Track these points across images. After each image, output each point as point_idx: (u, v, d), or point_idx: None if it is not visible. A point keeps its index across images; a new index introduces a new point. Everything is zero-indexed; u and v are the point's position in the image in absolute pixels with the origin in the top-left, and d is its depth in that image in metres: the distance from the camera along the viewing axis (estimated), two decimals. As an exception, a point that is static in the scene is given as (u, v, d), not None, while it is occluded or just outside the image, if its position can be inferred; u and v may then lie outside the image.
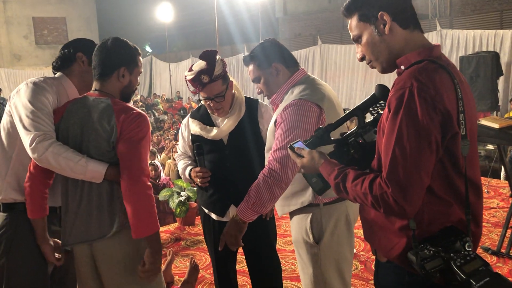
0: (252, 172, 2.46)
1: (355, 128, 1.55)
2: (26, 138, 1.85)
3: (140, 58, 2.04)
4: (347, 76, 13.35)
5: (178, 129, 8.28)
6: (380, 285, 1.57)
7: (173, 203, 4.73)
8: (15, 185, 2.02)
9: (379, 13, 1.40)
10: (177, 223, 5.03)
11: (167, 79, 20.60)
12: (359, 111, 1.57)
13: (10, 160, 2.03)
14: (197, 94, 2.43)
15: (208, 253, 3.78)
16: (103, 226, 1.88)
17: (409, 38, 1.42)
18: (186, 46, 23.24)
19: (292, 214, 2.12)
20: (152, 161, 7.07)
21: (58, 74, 2.16)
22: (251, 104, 2.54)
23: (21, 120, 1.90)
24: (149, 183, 1.85)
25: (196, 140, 2.49)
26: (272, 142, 2.04)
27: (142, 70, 2.07)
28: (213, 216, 2.53)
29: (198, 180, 2.42)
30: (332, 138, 1.61)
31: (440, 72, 1.31)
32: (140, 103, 17.55)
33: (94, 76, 1.97)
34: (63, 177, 1.93)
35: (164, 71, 21.12)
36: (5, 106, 2.09)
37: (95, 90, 1.96)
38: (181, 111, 14.86)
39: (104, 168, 1.84)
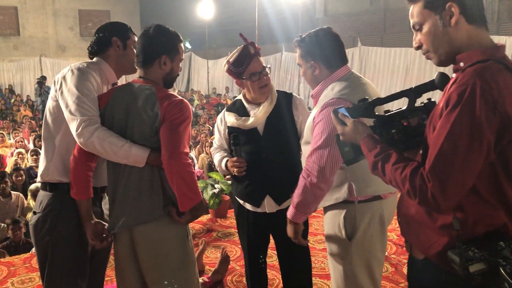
0: (287, 162, 2.50)
1: (402, 108, 1.51)
2: (72, 124, 1.92)
3: (182, 45, 2.08)
4: (386, 79, 13.17)
5: (213, 124, 8.40)
6: (415, 282, 1.55)
7: (206, 195, 4.81)
8: (61, 167, 2.10)
9: (448, 4, 1.34)
10: (209, 215, 5.11)
11: (205, 75, 20.82)
12: (412, 94, 1.51)
13: (55, 144, 2.11)
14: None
15: (239, 246, 3.84)
16: (143, 212, 1.93)
17: (474, 34, 1.36)
18: (225, 43, 23.40)
19: (326, 209, 2.13)
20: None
21: (95, 58, 2.20)
22: (285, 96, 2.59)
23: (67, 106, 1.96)
24: (189, 161, 1.89)
25: (232, 132, 2.55)
26: (309, 137, 2.05)
27: (183, 57, 2.10)
28: (248, 206, 2.57)
29: (235, 170, 2.47)
30: (376, 113, 1.57)
31: (505, 73, 1.27)
32: (177, 98, 17.81)
33: (138, 63, 2.03)
34: (107, 161, 2.00)
35: (202, 67, 21.35)
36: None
37: (140, 77, 2.01)
38: (217, 107, 15.02)
39: (146, 153, 1.90)
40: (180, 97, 1.97)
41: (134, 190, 1.95)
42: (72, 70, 2.05)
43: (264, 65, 2.48)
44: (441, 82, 1.44)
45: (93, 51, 2.21)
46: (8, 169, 6.63)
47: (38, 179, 2.18)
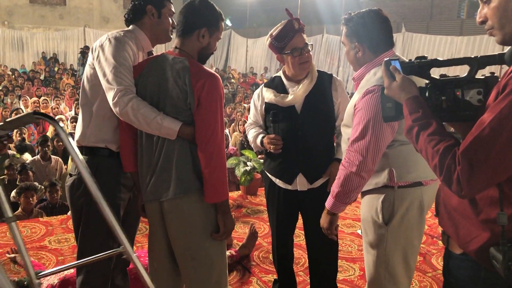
0: (322, 142, 2.49)
1: (460, 76, 1.40)
2: (109, 93, 1.95)
3: (223, 24, 2.06)
4: (429, 67, 12.81)
5: (249, 103, 8.41)
6: (451, 278, 1.48)
7: (239, 172, 4.85)
8: (97, 132, 2.14)
9: None
10: (240, 191, 5.17)
11: (244, 54, 20.78)
12: (476, 63, 1.38)
13: (93, 110, 2.15)
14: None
15: (267, 223, 3.88)
16: (172, 185, 1.95)
17: None
18: (266, 23, 23.23)
19: (364, 193, 2.09)
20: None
21: (131, 26, 2.21)
22: (325, 76, 2.55)
23: (104, 75, 1.99)
24: (223, 153, 1.90)
25: (270, 108, 2.53)
26: (349, 121, 2.02)
27: (221, 36, 2.09)
28: (280, 183, 2.58)
29: (271, 146, 2.47)
30: (431, 75, 1.45)
31: None
32: (215, 75, 17.91)
33: (177, 33, 2.02)
34: (140, 132, 2.02)
35: (242, 46, 21.30)
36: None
37: (175, 48, 2.01)
38: (254, 87, 15.02)
39: (178, 126, 1.90)
40: (211, 71, 1.95)
41: (165, 162, 1.96)
42: (109, 39, 2.07)
43: (306, 42, 2.46)
44: (510, 59, 1.31)
45: (129, 19, 2.22)
46: (49, 134, 6.87)
47: (75, 143, 2.23)
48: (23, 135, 6.62)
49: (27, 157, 5.76)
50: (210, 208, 1.97)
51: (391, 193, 1.97)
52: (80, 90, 2.23)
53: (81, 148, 2.18)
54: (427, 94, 1.42)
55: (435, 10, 18.15)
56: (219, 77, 1.96)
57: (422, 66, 1.46)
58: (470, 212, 1.32)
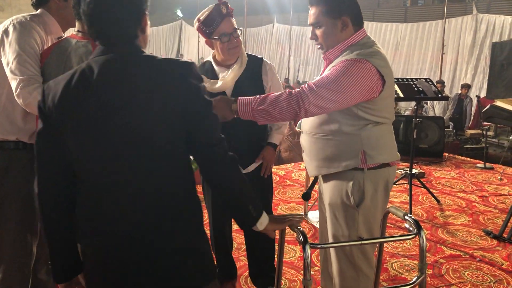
0: (253, 128, 2.49)
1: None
2: (12, 83, 1.88)
3: None
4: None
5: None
6: None
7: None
8: (7, 125, 2.04)
9: None
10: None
11: (195, 44, 20.55)
12: None
13: (1, 101, 2.03)
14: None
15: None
16: None
17: None
18: (217, 13, 23.05)
19: (330, 177, 2.05)
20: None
21: (39, 10, 2.11)
22: (255, 61, 2.55)
23: (8, 64, 1.90)
24: None
25: None
26: None
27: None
28: None
29: None
30: None
31: None
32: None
33: (75, 15, 1.91)
34: None
35: (193, 36, 21.06)
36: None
37: (78, 31, 1.91)
38: (206, 77, 14.88)
39: None
40: None
41: None
42: (14, 24, 1.97)
43: (235, 27, 2.43)
44: None
45: (36, 2, 2.11)
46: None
47: None
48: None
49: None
50: None
51: (360, 175, 1.96)
52: None
53: None
54: None
55: (382, -1, 18.60)
56: None
57: None
58: None
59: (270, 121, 1.93)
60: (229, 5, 2.41)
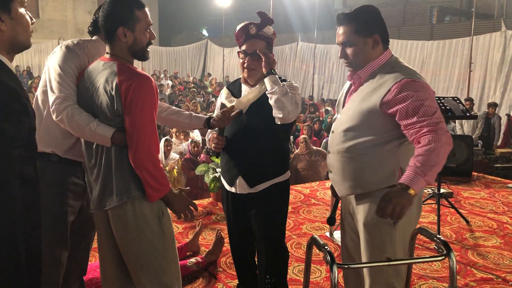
0: (265, 148, 2.47)
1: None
2: (50, 99, 1.99)
3: (145, 10, 1.94)
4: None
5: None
6: None
7: (207, 178, 4.84)
8: (47, 138, 2.14)
9: None
10: (210, 198, 5.14)
11: (220, 63, 20.82)
12: None
13: (43, 116, 2.15)
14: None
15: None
16: (114, 193, 1.91)
17: None
18: (241, 32, 23.30)
19: (366, 196, 2.00)
20: (194, 139, 7.24)
21: (94, 37, 2.26)
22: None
23: (49, 82, 2.04)
24: (152, 155, 1.88)
25: (222, 109, 2.54)
26: (357, 123, 1.96)
27: (151, 21, 1.98)
28: (227, 186, 2.61)
29: (212, 145, 2.51)
30: None
31: None
32: (192, 85, 17.92)
33: (105, 40, 1.99)
34: (83, 140, 2.02)
35: (218, 55, 21.34)
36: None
37: (107, 53, 1.98)
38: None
39: (111, 133, 1.88)
40: (141, 72, 1.91)
41: (105, 170, 1.93)
42: (61, 47, 2.13)
43: (262, 51, 2.39)
44: None
45: (92, 30, 2.28)
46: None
47: None
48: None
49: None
50: (155, 212, 1.95)
51: None
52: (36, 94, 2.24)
53: None
54: None
55: (407, 16, 18.49)
56: (148, 77, 1.91)
57: None
58: None
59: (439, 169, 1.81)
60: (269, 29, 2.44)
